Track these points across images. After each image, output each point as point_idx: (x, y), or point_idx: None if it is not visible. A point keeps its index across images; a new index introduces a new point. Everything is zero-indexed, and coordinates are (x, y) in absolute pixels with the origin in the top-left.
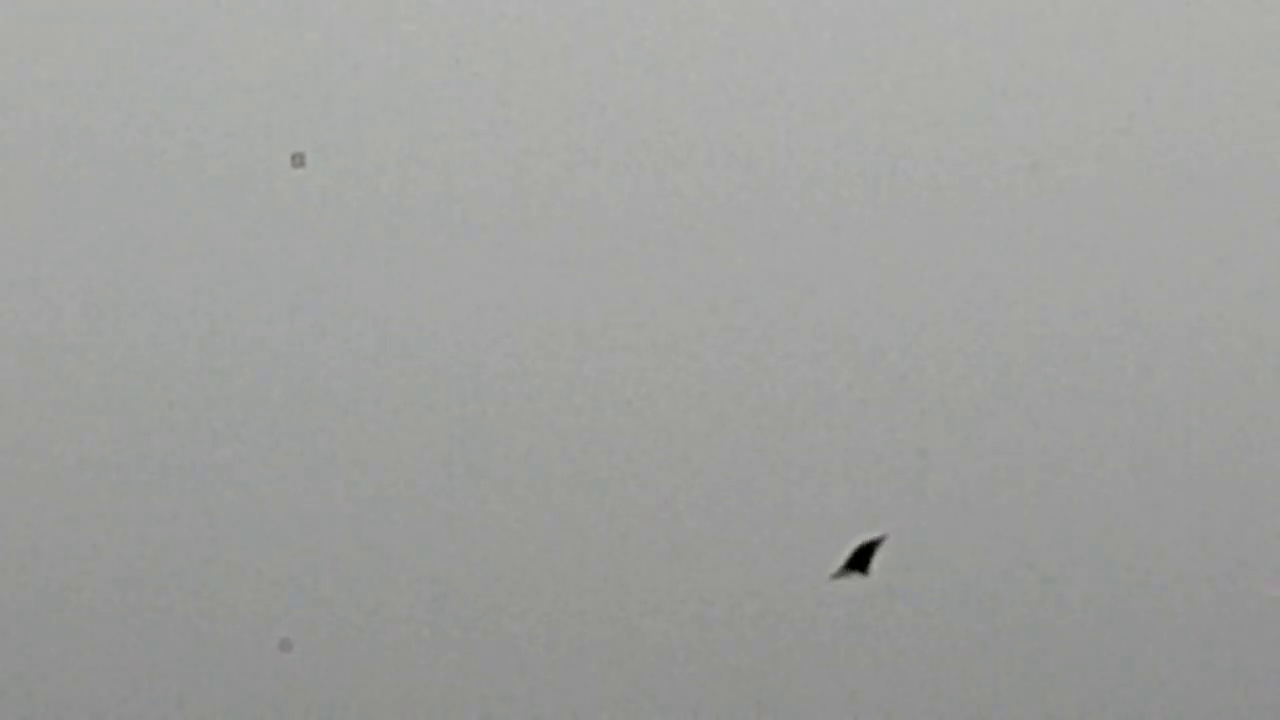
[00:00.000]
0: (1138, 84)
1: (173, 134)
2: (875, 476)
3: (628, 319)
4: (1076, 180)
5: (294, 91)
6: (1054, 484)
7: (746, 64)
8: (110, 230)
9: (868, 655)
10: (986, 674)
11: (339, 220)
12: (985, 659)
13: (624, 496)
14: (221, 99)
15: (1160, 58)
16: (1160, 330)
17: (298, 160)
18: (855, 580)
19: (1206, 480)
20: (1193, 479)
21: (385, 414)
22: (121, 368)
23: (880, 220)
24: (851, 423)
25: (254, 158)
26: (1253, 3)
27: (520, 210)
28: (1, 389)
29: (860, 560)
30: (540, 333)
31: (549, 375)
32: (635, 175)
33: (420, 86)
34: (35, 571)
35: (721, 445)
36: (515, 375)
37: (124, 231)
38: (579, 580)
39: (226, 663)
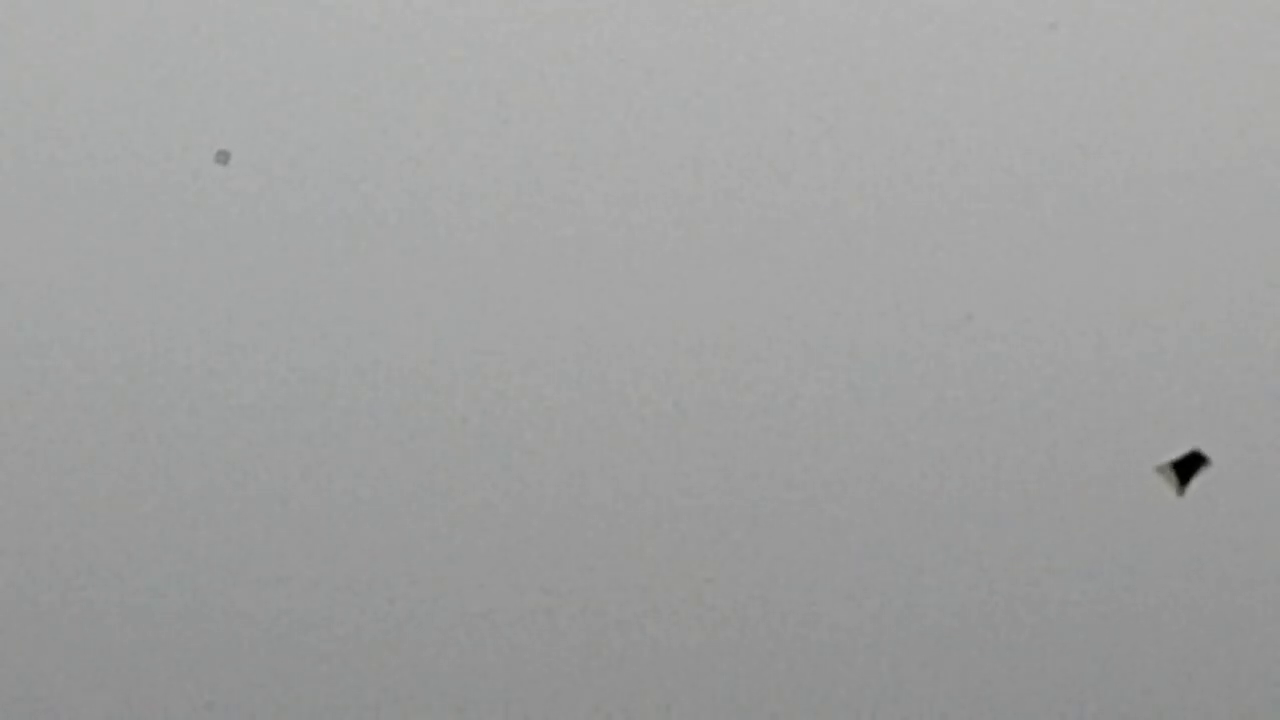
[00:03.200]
0: (1137, 85)
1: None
2: (875, 477)
3: (618, 315)
4: (1075, 182)
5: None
6: (1053, 484)
7: (746, 67)
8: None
9: (867, 656)
10: (985, 674)
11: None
12: (984, 659)
13: (620, 495)
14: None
15: (1160, 58)
16: (1159, 330)
17: (222, 158)
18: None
19: (1206, 483)
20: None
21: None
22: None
23: (879, 221)
24: (851, 423)
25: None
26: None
27: (507, 206)
28: None
29: (1186, 470)
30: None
31: (538, 369)
32: (625, 173)
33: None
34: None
35: (720, 446)
36: (498, 368)
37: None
38: (576, 579)
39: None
